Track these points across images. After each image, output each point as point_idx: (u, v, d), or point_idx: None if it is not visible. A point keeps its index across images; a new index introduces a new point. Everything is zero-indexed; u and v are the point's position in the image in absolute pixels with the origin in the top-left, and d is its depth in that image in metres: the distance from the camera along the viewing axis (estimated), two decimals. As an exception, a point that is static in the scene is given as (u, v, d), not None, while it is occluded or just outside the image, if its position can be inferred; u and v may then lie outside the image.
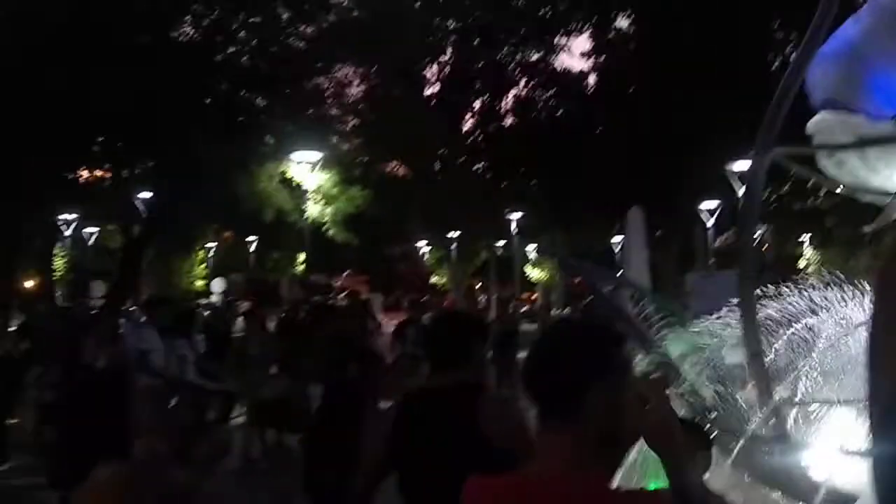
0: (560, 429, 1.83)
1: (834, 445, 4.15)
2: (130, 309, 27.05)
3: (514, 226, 35.32)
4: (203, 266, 40.72)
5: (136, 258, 24.69)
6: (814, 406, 4.66)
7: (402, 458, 3.30)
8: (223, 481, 6.67)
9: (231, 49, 21.99)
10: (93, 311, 16.46)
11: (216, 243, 39.13)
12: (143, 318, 10.54)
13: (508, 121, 36.45)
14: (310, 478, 5.35)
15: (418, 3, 28.60)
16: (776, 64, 26.87)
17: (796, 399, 4.64)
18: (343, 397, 5.33)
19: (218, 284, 37.23)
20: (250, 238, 38.00)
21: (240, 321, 14.33)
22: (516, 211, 34.57)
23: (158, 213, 22.78)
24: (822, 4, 4.19)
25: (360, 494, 3.49)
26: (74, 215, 26.62)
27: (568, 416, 1.82)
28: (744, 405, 4.28)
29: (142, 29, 18.92)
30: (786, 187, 29.22)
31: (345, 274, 43.02)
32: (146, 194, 23.10)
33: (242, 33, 21.91)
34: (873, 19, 4.70)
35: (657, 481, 3.06)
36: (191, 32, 21.48)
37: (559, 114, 34.48)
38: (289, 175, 22.77)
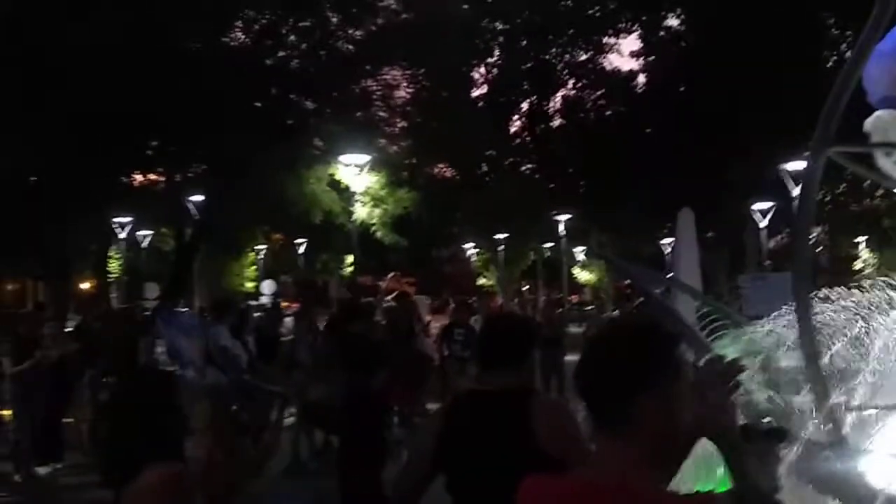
0: (615, 433, 1.81)
1: (892, 451, 4.04)
2: (184, 310, 27.48)
3: (561, 227, 35.13)
4: (253, 268, 41.21)
5: (189, 260, 25.08)
6: (871, 411, 4.55)
7: (451, 460, 3.29)
8: (272, 482, 6.72)
9: (281, 53, 22.24)
10: (146, 313, 16.76)
11: (266, 245, 39.56)
12: (210, 319, 10.75)
13: (556, 122, 36.32)
14: (341, 481, 5.36)
15: (466, 5, 28.62)
16: (831, 62, 26.34)
17: (853, 404, 4.53)
18: (362, 402, 5.27)
19: (267, 286, 37.62)
20: (299, 240, 38.34)
21: (289, 322, 14.46)
22: (564, 213, 34.37)
23: (209, 216, 23.11)
24: (880, 1, 4.09)
25: (404, 495, 3.49)
26: (128, 218, 27.10)
27: (622, 421, 1.80)
28: (799, 410, 4.19)
29: (194, 33, 19.23)
30: (841, 187, 28.66)
31: (390, 276, 43.18)
32: (198, 197, 23.45)
33: (292, 37, 22.14)
34: (933, 14, 4.57)
35: (709, 483, 3.02)
36: (241, 37, 21.77)
37: (608, 114, 34.23)
38: (337, 177, 22.93)
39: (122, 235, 28.49)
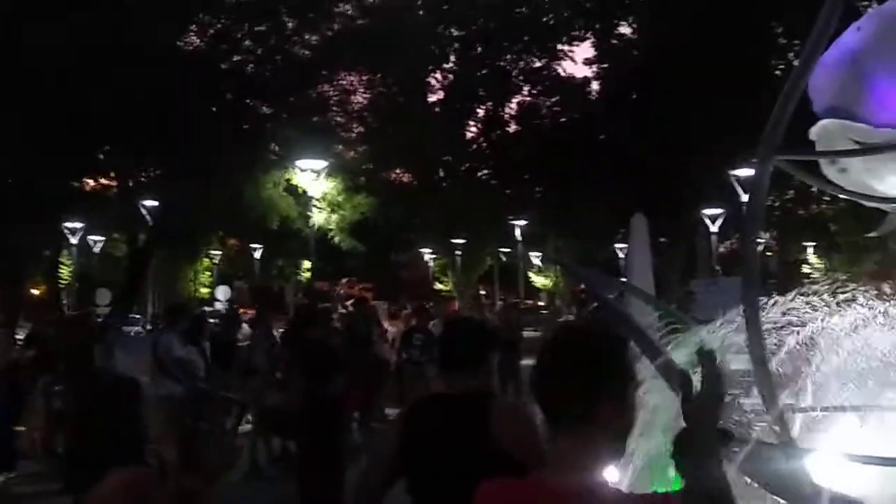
0: (575, 436, 1.86)
1: (838, 451, 4.17)
2: (136, 316, 27.12)
3: (518, 232, 35.31)
4: (208, 274, 40.79)
5: (142, 266, 24.77)
6: (818, 412, 4.68)
7: (413, 463, 3.33)
8: (229, 488, 6.71)
9: (236, 57, 22.11)
10: (99, 319, 16.51)
11: (221, 251, 39.20)
12: (162, 326, 10.63)
13: (512, 127, 36.51)
14: (300, 486, 5.37)
15: (422, 12, 28.71)
16: (779, 70, 26.90)
17: (801, 405, 4.66)
18: (321, 408, 5.28)
19: (222, 292, 37.30)
20: (255, 245, 38.06)
21: (245, 328, 14.36)
22: (521, 218, 34.56)
23: (164, 221, 22.87)
24: (825, 11, 4.22)
25: (366, 498, 3.52)
26: (80, 224, 26.69)
27: (583, 425, 1.86)
28: (748, 412, 4.30)
29: (149, 37, 19.05)
30: (790, 194, 29.27)
31: (343, 281, 42.97)
32: (152, 202, 23.19)
33: (248, 42, 22.03)
34: (874, 28, 4.73)
35: (662, 485, 3.10)
36: (197, 41, 21.60)
37: (563, 120, 34.53)
38: (294, 182, 22.84)
39: (74, 241, 28.05)
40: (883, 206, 5.21)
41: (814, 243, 35.80)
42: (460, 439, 3.19)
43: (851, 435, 4.30)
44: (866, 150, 4.67)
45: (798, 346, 4.66)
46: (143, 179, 23.12)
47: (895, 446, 3.99)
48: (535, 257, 41.93)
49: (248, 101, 22.47)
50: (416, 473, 3.34)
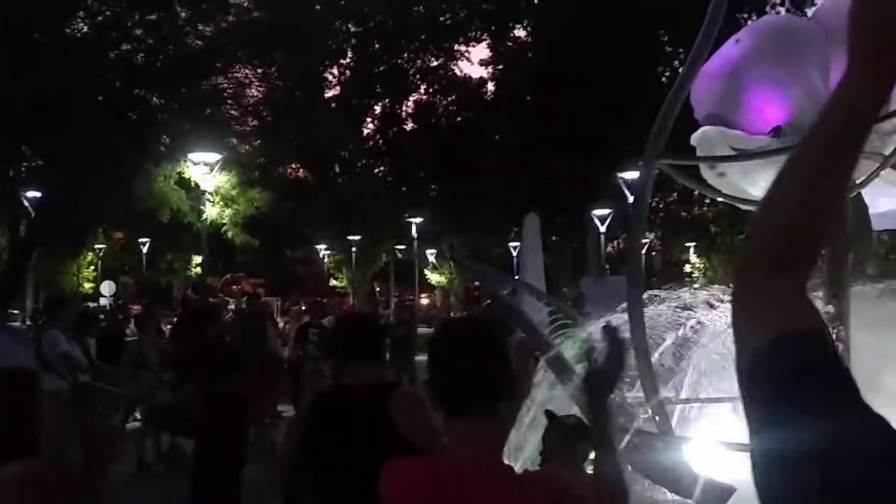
0: (474, 421, 2.01)
1: (713, 440, 4.42)
2: (14, 311, 25.98)
3: (414, 230, 35.48)
4: (91, 268, 39.38)
5: (23, 260, 23.77)
6: (695, 403, 4.94)
7: (318, 456, 3.37)
8: (117, 485, 6.57)
9: (126, 46, 21.45)
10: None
11: (105, 245, 37.88)
12: (42, 321, 10.26)
13: (409, 125, 36.65)
14: (197, 485, 5.31)
15: (318, 6, 28.48)
16: (665, 76, 27.88)
17: (680, 397, 4.91)
18: (222, 407, 5.25)
19: (107, 287, 36.11)
20: (143, 239, 36.95)
21: (133, 324, 14.00)
22: (416, 215, 34.74)
23: (47, 213, 21.99)
24: (707, 23, 4.45)
25: (284, 490, 3.53)
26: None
27: (482, 411, 2.01)
28: (631, 403, 4.50)
29: (33, 22, 18.30)
30: (673, 196, 30.37)
31: (225, 278, 42.11)
32: (34, 193, 22.27)
33: (138, 31, 21.40)
34: (752, 41, 5.03)
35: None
36: (84, 28, 20.86)
37: (458, 120, 34.90)
38: (186, 175, 22.32)
39: (-51, 233, 26.68)
40: (756, 209, 5.53)
41: (695, 243, 37.17)
42: (365, 429, 3.24)
43: (725, 424, 4.56)
44: (742, 156, 4.96)
45: (678, 342, 4.92)
46: (23, 169, 22.17)
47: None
48: (431, 254, 42.17)
49: (137, 91, 21.83)
50: (321, 466, 3.37)
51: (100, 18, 20.74)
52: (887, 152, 4.50)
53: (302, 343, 13.03)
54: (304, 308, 18.17)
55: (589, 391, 2.05)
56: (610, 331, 2.06)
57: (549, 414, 2.80)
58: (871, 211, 4.82)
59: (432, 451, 2.28)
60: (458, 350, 2.07)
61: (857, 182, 4.62)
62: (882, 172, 4.56)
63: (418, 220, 34.93)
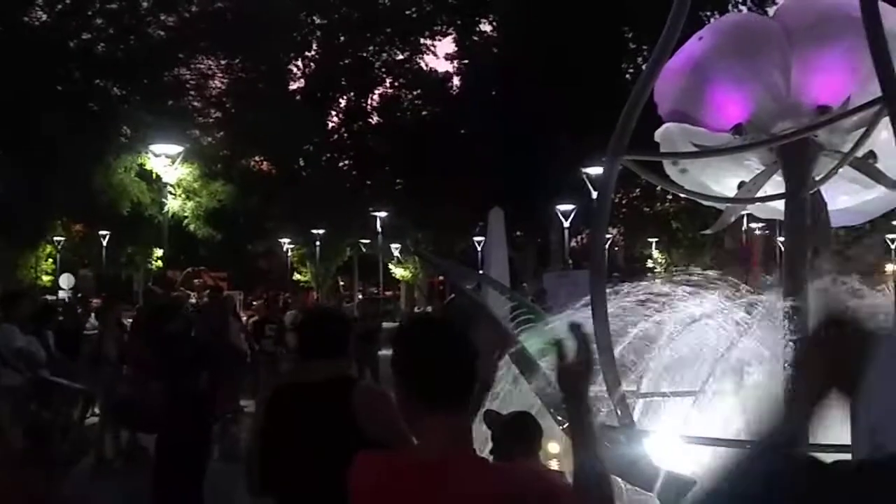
0: (444, 412, 2.01)
1: (674, 433, 4.46)
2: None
3: (378, 224, 35.38)
4: (50, 261, 38.72)
5: (-22, 252, 23.34)
6: (656, 397, 4.99)
7: (276, 451, 3.35)
8: (77, 481, 6.48)
9: (86, 35, 21.10)
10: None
11: (64, 237, 37.26)
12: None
13: (374, 119, 36.54)
14: (159, 480, 5.25)
15: (283, -3, 28.24)
16: (629, 73, 28.09)
17: (641, 391, 4.95)
18: (188, 402, 5.20)
19: (66, 280, 35.55)
20: (103, 232, 36.40)
21: (93, 318, 13.80)
22: (381, 209, 34.65)
23: (3, 204, 21.58)
24: (670, 21, 4.48)
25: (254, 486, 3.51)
26: None
27: (454, 402, 2.02)
28: (593, 397, 4.52)
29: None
30: (636, 191, 30.65)
31: (185, 272, 41.59)
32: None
33: (99, 20, 21.06)
34: (714, 40, 5.08)
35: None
36: (43, 16, 20.48)
37: (424, 114, 34.86)
38: (147, 167, 22.01)
39: None
40: (718, 205, 5.60)
41: (657, 238, 37.53)
42: (323, 425, 3.22)
43: (685, 418, 4.61)
44: (703, 152, 5.01)
45: (639, 337, 4.96)
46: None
47: (723, 428, 4.32)
48: (395, 248, 42.11)
49: (98, 81, 21.49)
50: (280, 460, 3.35)
51: (59, 7, 20.37)
52: (846, 150, 4.57)
53: (259, 338, 12.97)
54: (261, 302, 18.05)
55: (565, 391, 2.04)
56: (576, 328, 2.05)
57: (489, 413, 2.85)
58: (829, 207, 4.89)
59: (394, 447, 2.28)
60: (427, 344, 2.08)
61: (817, 179, 4.69)
62: (840, 170, 4.63)
63: (383, 214, 34.84)
